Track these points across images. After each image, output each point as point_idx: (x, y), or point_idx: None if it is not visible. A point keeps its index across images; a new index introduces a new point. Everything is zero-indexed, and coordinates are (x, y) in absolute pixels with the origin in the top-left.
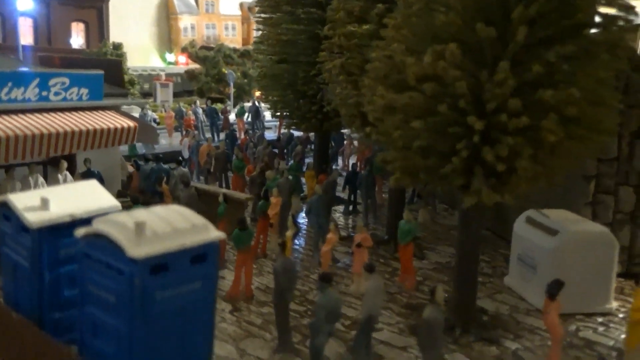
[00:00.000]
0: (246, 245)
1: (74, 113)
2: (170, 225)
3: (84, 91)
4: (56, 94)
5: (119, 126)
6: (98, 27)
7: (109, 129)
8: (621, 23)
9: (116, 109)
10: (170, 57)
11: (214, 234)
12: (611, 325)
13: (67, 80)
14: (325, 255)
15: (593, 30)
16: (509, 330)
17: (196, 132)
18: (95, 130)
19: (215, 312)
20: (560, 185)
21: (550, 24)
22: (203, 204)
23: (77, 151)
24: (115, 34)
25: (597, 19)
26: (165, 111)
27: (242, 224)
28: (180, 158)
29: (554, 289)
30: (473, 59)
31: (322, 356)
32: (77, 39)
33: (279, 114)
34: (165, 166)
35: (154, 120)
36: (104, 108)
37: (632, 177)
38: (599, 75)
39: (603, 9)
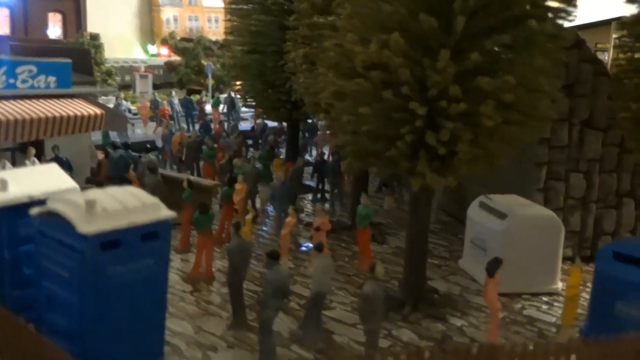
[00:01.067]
0: (206, 228)
1: (42, 100)
2: (121, 204)
3: (52, 79)
4: (24, 81)
5: (85, 113)
6: (75, 18)
7: (75, 116)
8: (562, 15)
9: (84, 96)
10: (152, 49)
11: (164, 213)
12: (555, 304)
13: (34, 68)
14: (283, 238)
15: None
16: (457, 308)
17: (171, 122)
18: (62, 117)
19: (167, 287)
20: (514, 172)
21: (489, 15)
22: (171, 190)
23: (44, 137)
24: (97, 26)
25: (538, 10)
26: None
27: (202, 208)
28: (148, 146)
29: (493, 267)
30: (417, 47)
31: (270, 329)
32: (54, 30)
33: (253, 103)
34: (135, 154)
35: (129, 110)
36: (72, 96)
37: (582, 164)
38: (537, 64)
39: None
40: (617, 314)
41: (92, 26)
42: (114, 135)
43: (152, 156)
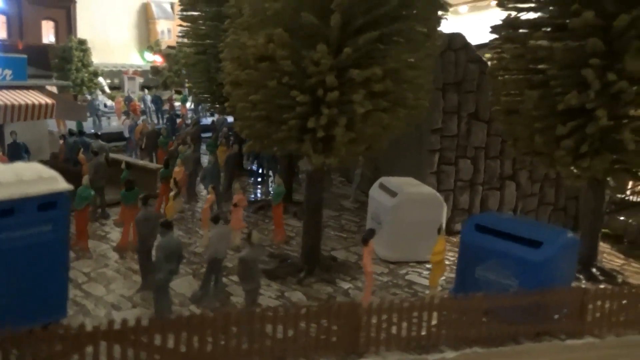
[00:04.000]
0: (132, 203)
1: None
2: (17, 177)
3: (8, 72)
4: None
5: (36, 103)
6: (67, 25)
7: (27, 105)
8: (435, 17)
9: (40, 88)
10: (148, 56)
11: (62, 185)
12: None
13: None
14: (203, 213)
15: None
16: (349, 274)
17: (143, 116)
18: (13, 106)
19: (67, 251)
20: (414, 158)
21: (363, 13)
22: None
23: (1, 123)
24: (100, 34)
25: (408, 11)
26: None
27: (128, 185)
28: (98, 133)
29: (367, 235)
30: (300, 41)
31: (164, 290)
32: (48, 36)
33: (202, 98)
34: (88, 140)
35: (105, 105)
36: (27, 87)
37: (470, 151)
38: (404, 58)
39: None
40: (477, 277)
41: (98, 35)
42: (89, 126)
43: (101, 142)
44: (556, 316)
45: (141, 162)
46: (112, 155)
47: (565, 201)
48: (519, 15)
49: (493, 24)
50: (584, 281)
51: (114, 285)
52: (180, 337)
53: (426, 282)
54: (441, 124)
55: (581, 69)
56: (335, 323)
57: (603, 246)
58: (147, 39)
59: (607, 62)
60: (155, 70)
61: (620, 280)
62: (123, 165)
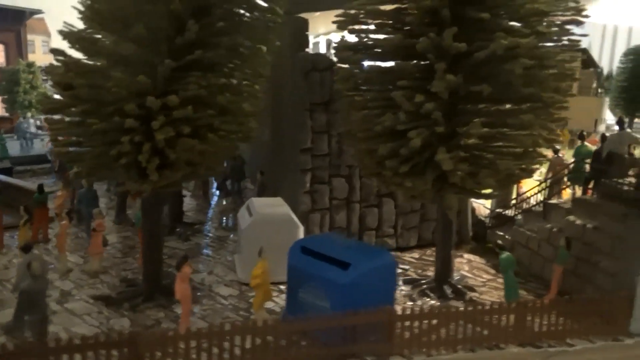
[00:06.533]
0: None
1: None
2: None
3: None
4: None
5: None
6: (16, 48)
7: None
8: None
9: None
10: None
11: None
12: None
13: None
14: (58, 239)
15: None
16: (201, 297)
17: None
18: None
19: None
20: (290, 178)
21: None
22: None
23: None
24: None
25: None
26: None
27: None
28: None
29: (180, 261)
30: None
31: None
32: None
33: None
34: None
35: (37, 127)
36: None
37: (343, 169)
38: (220, 83)
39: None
40: (300, 299)
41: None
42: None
43: None
44: (373, 338)
45: (21, 183)
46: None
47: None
48: (344, 38)
49: (335, 46)
50: (430, 299)
51: None
52: None
53: (268, 305)
54: (311, 144)
55: (393, 91)
56: (115, 355)
57: (479, 261)
58: None
59: (418, 83)
60: None
61: (469, 297)
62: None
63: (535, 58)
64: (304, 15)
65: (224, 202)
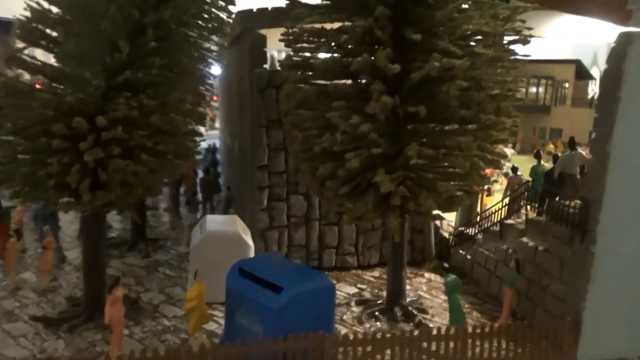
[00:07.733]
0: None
1: None
2: None
3: None
4: None
5: None
6: None
7: None
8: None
9: None
10: None
11: None
12: None
13: None
14: (6, 256)
15: None
16: (135, 319)
17: None
18: None
19: None
20: (249, 195)
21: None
22: None
23: None
24: None
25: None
26: None
27: None
28: None
29: (110, 284)
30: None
31: None
32: None
33: None
34: None
35: None
36: None
37: (301, 187)
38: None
39: None
40: (237, 323)
41: None
42: None
43: None
44: None
45: None
46: None
47: (411, 234)
48: (290, 55)
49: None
50: (378, 322)
51: None
52: None
53: (210, 326)
54: (267, 161)
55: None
56: None
57: (439, 280)
58: None
59: (355, 104)
60: None
61: (417, 320)
62: None
63: (472, 79)
64: (262, 31)
65: (198, 217)
